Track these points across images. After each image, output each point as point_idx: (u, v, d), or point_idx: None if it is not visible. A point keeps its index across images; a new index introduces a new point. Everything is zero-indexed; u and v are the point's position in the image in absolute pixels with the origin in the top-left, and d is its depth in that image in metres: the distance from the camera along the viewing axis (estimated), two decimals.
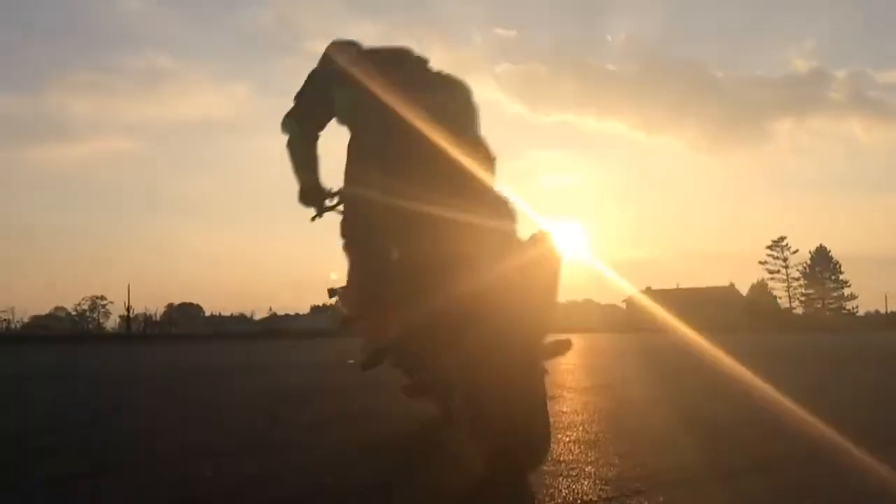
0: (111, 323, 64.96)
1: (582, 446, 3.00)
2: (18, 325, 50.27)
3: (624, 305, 61.44)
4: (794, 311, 69.16)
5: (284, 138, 3.41)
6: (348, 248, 3.17)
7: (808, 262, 70.65)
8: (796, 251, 70.69)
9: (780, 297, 70.92)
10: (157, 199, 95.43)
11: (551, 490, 2.22)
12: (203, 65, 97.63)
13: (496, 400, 2.43)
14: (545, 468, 2.54)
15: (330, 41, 3.43)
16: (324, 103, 3.31)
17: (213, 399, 5.32)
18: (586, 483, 2.32)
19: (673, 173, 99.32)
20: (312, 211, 3.35)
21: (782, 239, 70.69)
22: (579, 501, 2.10)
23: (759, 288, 70.74)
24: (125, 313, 50.08)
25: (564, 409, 4.21)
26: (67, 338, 20.17)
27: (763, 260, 71.42)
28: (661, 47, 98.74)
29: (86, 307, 70.64)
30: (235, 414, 4.46)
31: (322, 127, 3.41)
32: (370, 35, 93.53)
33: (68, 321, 66.77)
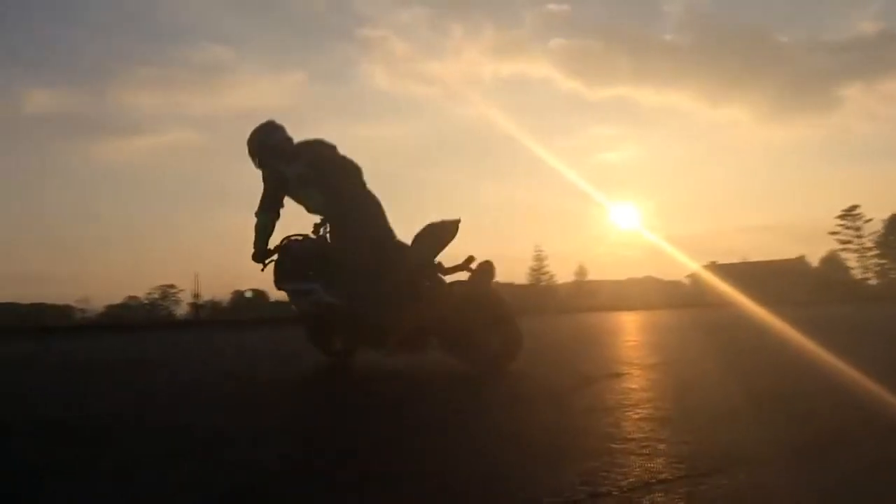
0: (181, 310, 66.93)
1: (652, 423, 2.91)
2: (94, 314, 52.30)
3: (687, 281, 60.22)
4: (868, 282, 66.58)
5: (254, 220, 5.41)
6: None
7: (882, 231, 67.77)
8: (869, 220, 67.83)
9: (852, 269, 68.36)
10: (220, 189, 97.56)
11: (624, 469, 2.16)
12: (259, 55, 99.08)
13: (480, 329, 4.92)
14: (615, 446, 2.48)
15: (261, 123, 5.72)
16: (279, 198, 5.45)
17: (277, 382, 5.39)
18: (660, 461, 2.25)
19: (737, 144, 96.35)
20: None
21: (854, 208, 67.89)
22: (654, 480, 2.03)
23: (831, 259, 68.33)
24: (194, 301, 51.55)
25: (632, 386, 4.11)
26: (139, 325, 20.90)
27: (834, 230, 68.83)
28: (722, 14, 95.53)
29: (157, 296, 72.99)
30: (299, 397, 4.51)
31: (279, 214, 5.46)
32: (421, 18, 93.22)
33: (141, 309, 69.14)
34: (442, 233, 5.04)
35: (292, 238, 5.54)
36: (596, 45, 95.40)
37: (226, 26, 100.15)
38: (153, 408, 4.09)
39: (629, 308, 26.62)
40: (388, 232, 5.37)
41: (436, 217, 5.07)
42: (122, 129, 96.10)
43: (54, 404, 4.33)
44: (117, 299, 67.74)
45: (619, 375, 4.66)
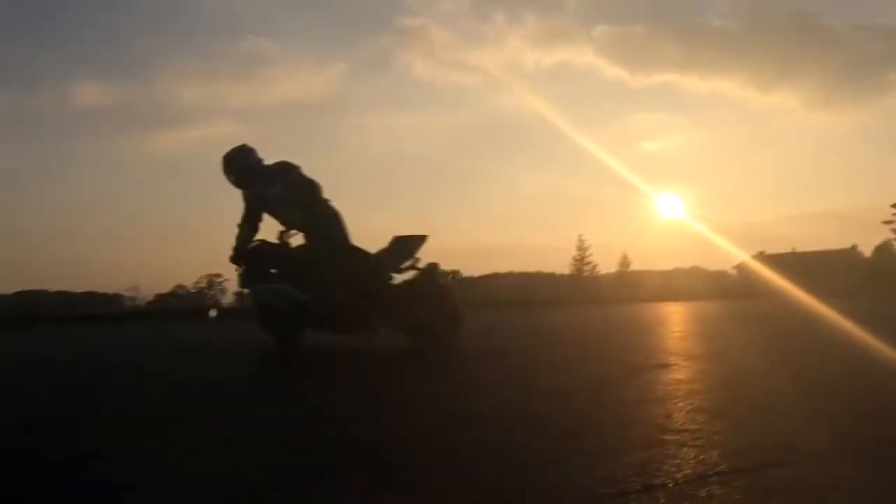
0: (227, 299, 67.97)
1: (705, 415, 2.85)
2: (143, 303, 53.54)
3: (735, 272, 59.06)
4: None
5: (236, 230, 6.47)
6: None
7: None
8: None
9: None
10: None
11: (677, 460, 2.11)
12: (301, 46, 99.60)
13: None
14: (667, 437, 2.43)
15: (231, 148, 6.51)
16: (260, 215, 6.45)
17: (321, 366, 5.44)
18: (715, 453, 2.19)
19: (786, 131, 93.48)
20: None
21: None
22: (710, 472, 1.97)
23: (884, 249, 66.21)
24: (238, 290, 52.24)
25: (680, 377, 4.04)
26: (187, 313, 21.30)
27: (888, 219, 66.60)
28: None
29: (203, 285, 74.29)
30: (345, 381, 4.54)
31: (258, 228, 6.49)
32: (463, 6, 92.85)
33: (188, 298, 70.43)
34: (409, 245, 6.34)
35: (256, 243, 6.52)
36: (641, 32, 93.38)
37: (268, 19, 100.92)
38: (196, 393, 4.16)
39: (675, 298, 26.24)
40: (347, 237, 6.47)
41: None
42: (168, 121, 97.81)
43: (95, 393, 4.44)
44: (165, 288, 69.13)
45: (667, 366, 4.58)
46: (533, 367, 5.04)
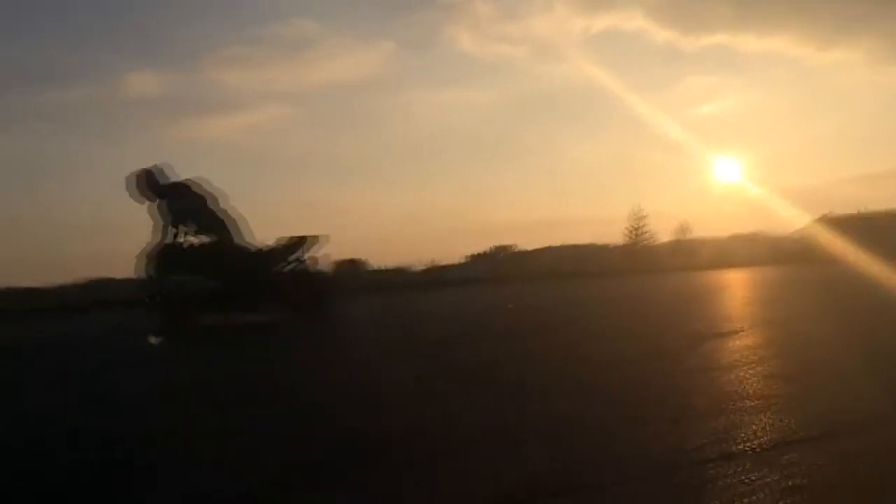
0: None
1: (777, 381, 2.79)
2: None
3: (798, 236, 57.25)
4: None
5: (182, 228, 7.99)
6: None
7: None
8: None
9: None
10: (315, 160, 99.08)
11: (753, 427, 2.06)
12: (345, 26, 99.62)
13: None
14: (741, 404, 2.37)
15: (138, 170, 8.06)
16: (176, 224, 7.75)
17: (373, 350, 5.44)
18: (793, 419, 2.13)
19: (849, 89, 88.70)
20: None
21: None
22: (789, 439, 1.92)
23: None
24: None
25: (749, 343, 3.95)
26: None
27: None
28: None
29: None
30: (396, 364, 4.50)
31: (174, 233, 7.83)
32: None
33: None
34: (301, 243, 8.16)
35: (168, 243, 7.90)
36: None
37: (312, 1, 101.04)
38: (213, 380, 4.20)
39: (735, 265, 25.58)
40: (243, 237, 8.20)
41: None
42: (217, 107, 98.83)
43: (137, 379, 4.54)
44: None
45: (734, 333, 4.48)
46: (588, 338, 4.97)
